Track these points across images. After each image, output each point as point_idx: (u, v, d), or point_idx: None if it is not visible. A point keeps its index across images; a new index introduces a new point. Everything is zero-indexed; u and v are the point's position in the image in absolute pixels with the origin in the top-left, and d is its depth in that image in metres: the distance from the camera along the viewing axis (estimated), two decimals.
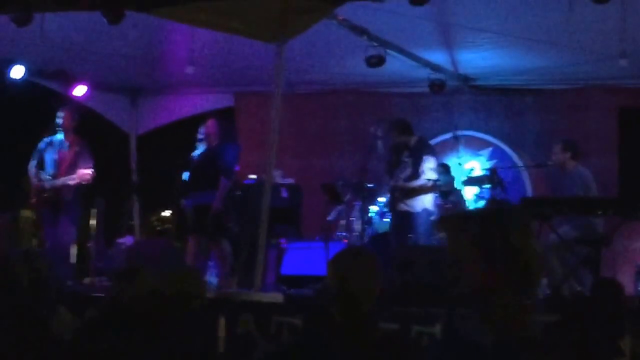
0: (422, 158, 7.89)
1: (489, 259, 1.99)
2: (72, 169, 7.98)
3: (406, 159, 7.99)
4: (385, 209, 8.49)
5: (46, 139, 8.23)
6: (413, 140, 8.17)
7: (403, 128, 8.20)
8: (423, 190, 8.01)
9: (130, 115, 10.92)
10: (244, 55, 8.58)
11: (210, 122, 8.10)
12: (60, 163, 8.09)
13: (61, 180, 7.99)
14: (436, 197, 8.60)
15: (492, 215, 2.06)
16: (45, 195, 8.05)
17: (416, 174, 7.89)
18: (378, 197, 8.57)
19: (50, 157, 8.15)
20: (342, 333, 2.99)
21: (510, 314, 1.99)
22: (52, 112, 8.25)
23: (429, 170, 7.94)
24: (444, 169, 8.97)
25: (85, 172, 7.85)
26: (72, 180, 7.91)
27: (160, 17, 6.89)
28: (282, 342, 5.71)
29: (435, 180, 8.04)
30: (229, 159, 7.91)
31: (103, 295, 6.30)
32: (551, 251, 7.10)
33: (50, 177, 8.08)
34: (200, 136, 8.35)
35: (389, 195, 8.23)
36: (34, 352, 3.11)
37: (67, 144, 8.14)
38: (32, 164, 8.17)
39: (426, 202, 8.04)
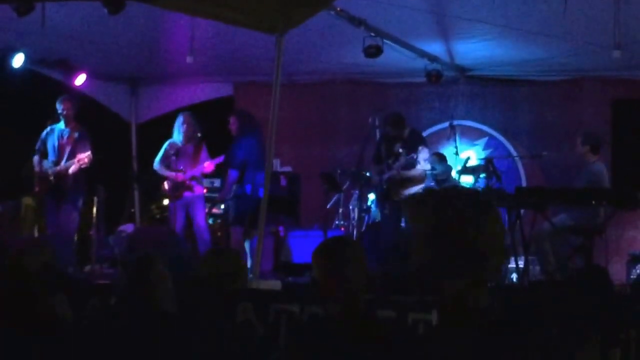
0: (417, 149, 8.01)
1: (440, 242, 1.95)
2: (72, 155, 8.08)
3: (400, 150, 8.09)
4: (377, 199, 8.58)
5: (48, 128, 8.32)
6: (406, 132, 8.30)
7: (398, 121, 8.32)
8: (417, 180, 8.16)
9: (131, 104, 11.00)
10: (243, 45, 8.64)
11: (231, 119, 8.17)
12: (61, 150, 8.18)
13: (62, 166, 8.08)
14: (432, 185, 8.72)
15: (448, 197, 2.00)
16: (48, 182, 8.15)
17: (413, 164, 8.00)
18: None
19: (51, 144, 8.25)
20: (337, 322, 3.01)
21: (458, 298, 1.95)
22: (52, 100, 8.33)
23: (423, 160, 8.09)
24: (440, 158, 9.08)
25: (83, 156, 7.94)
26: (72, 166, 8.00)
27: (161, 7, 6.95)
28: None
29: (428, 171, 8.22)
30: (236, 151, 7.99)
31: (108, 282, 6.40)
32: (545, 239, 7.21)
33: (51, 164, 8.18)
34: (177, 127, 8.42)
35: (380, 185, 8.32)
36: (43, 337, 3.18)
37: (67, 131, 8.23)
38: (36, 153, 8.26)
39: (420, 191, 8.22)
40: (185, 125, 8.42)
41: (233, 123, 8.12)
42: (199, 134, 8.43)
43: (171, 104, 10.78)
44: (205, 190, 8.70)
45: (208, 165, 8.31)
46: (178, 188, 8.37)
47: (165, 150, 8.52)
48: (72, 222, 8.15)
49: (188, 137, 8.43)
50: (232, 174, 7.96)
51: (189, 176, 8.34)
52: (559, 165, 9.33)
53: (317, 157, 10.34)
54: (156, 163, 8.55)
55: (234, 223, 8.12)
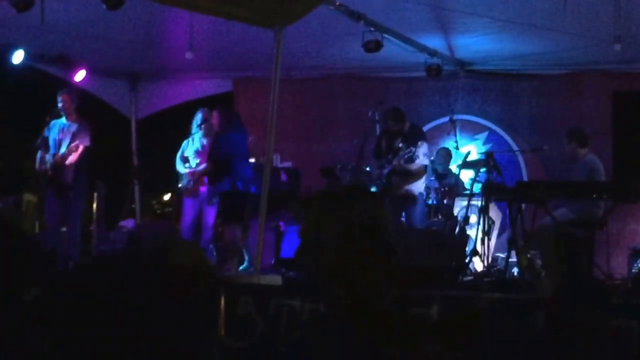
0: (417, 143, 8.01)
1: (350, 238, 1.94)
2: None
3: (400, 145, 8.09)
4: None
5: (50, 124, 8.33)
6: (406, 126, 8.30)
7: (398, 116, 8.31)
8: (417, 174, 8.16)
9: (130, 99, 11.00)
10: (242, 40, 8.64)
11: (214, 114, 8.25)
12: (60, 143, 8.21)
13: (58, 156, 8.11)
14: (432, 180, 8.72)
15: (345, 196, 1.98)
16: (48, 175, 8.17)
17: (413, 158, 8.00)
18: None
19: (52, 138, 8.28)
20: (341, 317, 3.01)
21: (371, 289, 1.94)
22: (52, 96, 8.34)
23: (422, 155, 8.08)
24: (445, 153, 9.07)
25: (72, 145, 7.99)
26: (67, 156, 8.05)
27: (160, 3, 6.94)
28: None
29: (426, 166, 8.23)
30: (220, 144, 8.03)
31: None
32: (546, 233, 7.20)
33: (51, 158, 8.20)
34: (196, 123, 8.48)
35: (380, 180, 8.31)
36: None
37: (68, 124, 8.27)
38: (38, 150, 8.28)
39: (420, 186, 8.22)
40: (204, 121, 8.48)
41: (215, 117, 8.19)
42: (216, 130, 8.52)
43: (171, 100, 10.80)
44: None
45: None
46: (193, 184, 8.44)
47: (184, 148, 8.59)
48: (76, 218, 8.16)
49: (206, 133, 8.47)
50: (240, 164, 8.00)
51: (202, 170, 8.39)
52: (560, 159, 9.30)
53: (317, 152, 10.32)
54: (177, 162, 8.62)
55: (229, 221, 8.10)
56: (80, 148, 8.02)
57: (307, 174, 9.47)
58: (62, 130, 8.25)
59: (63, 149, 8.12)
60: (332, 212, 2.02)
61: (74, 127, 8.20)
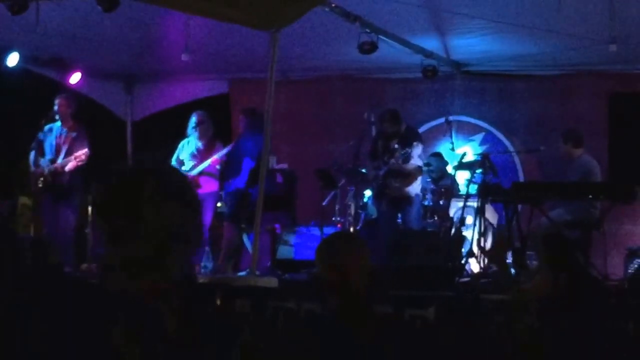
0: (412, 144, 8.01)
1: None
2: (69, 154, 8.11)
3: (396, 146, 8.09)
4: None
5: (46, 127, 8.32)
6: (402, 128, 8.30)
7: (395, 118, 8.31)
8: (414, 175, 8.16)
9: (126, 102, 10.98)
10: (238, 42, 8.63)
11: (240, 118, 8.43)
12: (58, 148, 8.21)
13: (58, 164, 8.10)
14: (428, 181, 8.72)
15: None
16: (45, 180, 8.16)
17: (407, 159, 8.00)
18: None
19: (49, 143, 8.27)
20: (337, 317, 3.00)
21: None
22: (47, 99, 8.33)
23: (417, 156, 8.10)
24: (437, 157, 9.06)
25: (80, 153, 7.98)
26: (68, 163, 8.04)
27: (155, 5, 6.94)
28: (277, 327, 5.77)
29: (421, 166, 8.24)
30: (250, 144, 8.09)
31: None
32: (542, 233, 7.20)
33: (48, 163, 8.19)
34: (191, 126, 8.48)
35: (376, 182, 8.31)
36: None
37: (65, 129, 8.26)
38: (32, 152, 8.27)
39: (416, 187, 8.22)
40: (198, 124, 8.49)
41: (241, 120, 8.35)
42: (211, 132, 8.56)
43: (167, 102, 10.78)
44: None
45: (214, 161, 8.38)
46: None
47: (179, 151, 8.61)
48: (69, 221, 8.15)
49: (201, 135, 8.48)
50: (251, 163, 8.02)
51: (197, 172, 8.40)
52: (556, 160, 9.30)
53: (314, 154, 10.30)
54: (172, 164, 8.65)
55: (232, 220, 8.15)
56: (83, 156, 8.03)
57: (303, 175, 9.46)
58: (59, 135, 8.25)
59: (62, 156, 8.11)
60: None
61: (73, 134, 8.21)
